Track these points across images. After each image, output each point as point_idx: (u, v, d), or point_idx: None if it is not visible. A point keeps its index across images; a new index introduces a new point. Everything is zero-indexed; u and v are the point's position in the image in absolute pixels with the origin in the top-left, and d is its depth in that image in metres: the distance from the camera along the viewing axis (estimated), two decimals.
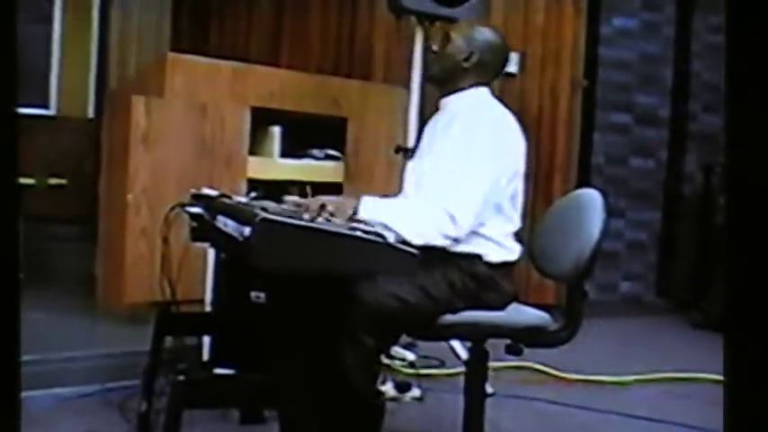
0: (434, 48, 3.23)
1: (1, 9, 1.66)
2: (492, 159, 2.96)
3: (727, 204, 1.97)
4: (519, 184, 3.06)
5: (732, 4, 1.83)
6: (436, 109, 3.31)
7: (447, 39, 3.17)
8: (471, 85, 3.16)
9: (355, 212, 2.79)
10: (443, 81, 3.19)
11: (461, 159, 2.91)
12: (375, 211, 2.80)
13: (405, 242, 2.70)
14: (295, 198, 3.01)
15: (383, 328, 2.70)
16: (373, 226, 2.70)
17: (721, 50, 1.72)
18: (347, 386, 2.67)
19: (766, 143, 1.73)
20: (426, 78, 3.32)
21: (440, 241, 2.84)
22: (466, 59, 3.12)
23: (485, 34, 3.18)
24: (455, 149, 2.96)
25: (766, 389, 1.71)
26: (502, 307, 2.98)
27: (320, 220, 2.58)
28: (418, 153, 3.40)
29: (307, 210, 2.69)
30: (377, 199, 2.92)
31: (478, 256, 2.92)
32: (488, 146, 2.96)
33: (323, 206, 2.69)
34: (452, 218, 2.82)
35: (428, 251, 2.76)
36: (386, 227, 2.74)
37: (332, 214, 2.66)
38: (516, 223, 3.06)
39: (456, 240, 2.87)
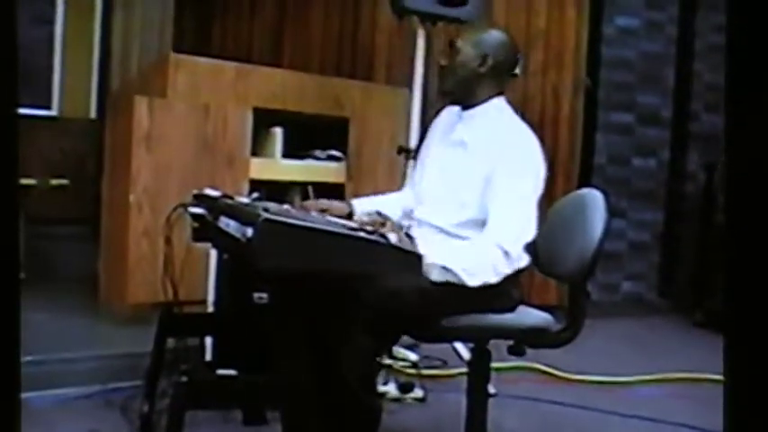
0: (443, 62, 3.16)
1: (1, 9, 1.66)
2: (530, 186, 2.95)
3: (726, 204, 1.97)
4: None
5: (733, 5, 1.83)
6: (442, 107, 3.28)
7: (454, 49, 3.11)
8: (491, 96, 3.11)
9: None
10: (461, 93, 3.13)
11: (505, 190, 2.89)
12: (432, 252, 2.74)
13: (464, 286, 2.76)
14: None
15: (384, 328, 2.70)
16: (430, 270, 2.70)
17: (723, 50, 1.71)
18: (346, 386, 2.66)
19: (765, 143, 1.72)
20: (442, 94, 3.24)
21: (494, 279, 2.83)
22: (481, 65, 3.07)
23: (493, 35, 3.13)
24: (497, 179, 2.91)
25: (766, 389, 1.71)
26: (508, 311, 2.97)
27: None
28: (424, 154, 3.36)
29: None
30: (431, 239, 2.94)
31: None
32: (526, 174, 2.95)
33: (383, 224, 2.68)
34: (506, 254, 2.82)
35: None
36: (445, 269, 2.74)
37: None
38: (532, 234, 2.99)
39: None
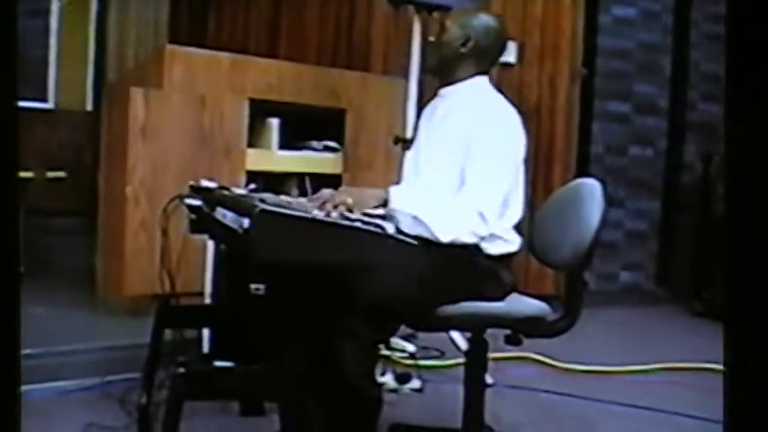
0: (431, 38, 3.25)
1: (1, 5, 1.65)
2: (506, 154, 2.98)
3: (726, 193, 1.97)
4: (520, 176, 3.06)
5: None
6: (434, 95, 3.30)
7: (443, 28, 3.17)
8: (471, 75, 3.15)
9: (385, 203, 2.80)
10: (443, 70, 3.18)
11: (481, 156, 2.92)
12: (406, 203, 2.82)
13: (431, 240, 2.77)
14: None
15: (381, 318, 2.70)
16: (400, 218, 2.73)
17: (720, 39, 1.72)
18: (345, 377, 2.66)
19: (765, 133, 1.73)
20: (427, 70, 3.32)
21: (470, 239, 2.86)
22: (463, 45, 3.11)
23: (481, 19, 3.18)
24: (474, 146, 2.94)
25: (765, 377, 1.71)
26: (501, 298, 2.97)
27: (334, 214, 2.59)
28: (416, 141, 3.39)
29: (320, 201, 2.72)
30: (406, 190, 2.94)
31: (479, 248, 2.91)
32: (502, 141, 2.98)
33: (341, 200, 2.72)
34: (482, 216, 2.84)
35: (428, 242, 2.77)
36: (416, 219, 2.76)
37: (349, 210, 2.68)
38: (517, 214, 3.05)
39: (483, 238, 2.90)
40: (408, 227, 2.77)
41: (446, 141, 3.05)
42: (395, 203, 2.81)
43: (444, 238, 2.79)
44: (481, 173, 2.90)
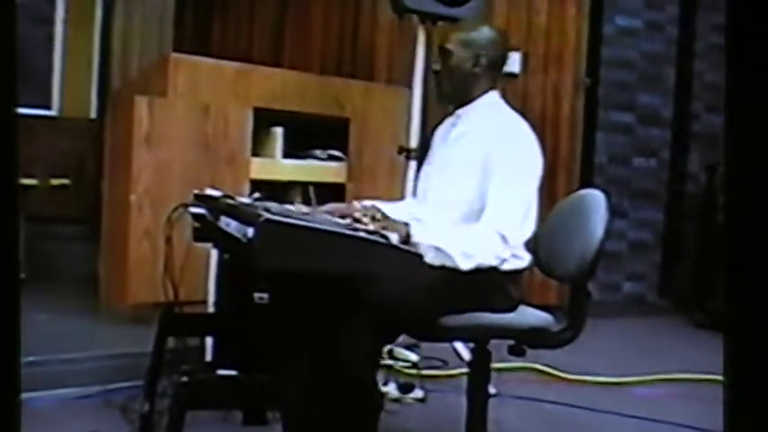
0: (437, 68, 3.17)
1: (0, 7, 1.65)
2: (527, 174, 2.96)
3: (726, 203, 1.97)
4: (536, 193, 3.04)
5: (732, 4, 1.83)
6: (449, 114, 3.27)
7: (446, 53, 3.11)
8: (485, 91, 3.12)
9: (407, 238, 2.78)
10: (459, 96, 3.14)
11: (502, 177, 2.90)
12: (428, 235, 2.78)
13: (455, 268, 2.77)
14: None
15: (384, 327, 2.70)
16: (423, 251, 2.72)
17: (724, 50, 1.72)
18: (348, 384, 2.66)
19: (766, 143, 1.72)
20: (441, 100, 3.25)
21: (493, 262, 2.84)
22: (475, 65, 3.08)
23: (483, 33, 3.14)
24: (494, 166, 2.91)
25: (766, 389, 1.70)
26: (508, 311, 2.97)
27: (371, 227, 2.59)
28: (430, 158, 3.36)
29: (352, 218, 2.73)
30: (425, 223, 2.94)
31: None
32: (523, 161, 2.97)
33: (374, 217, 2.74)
34: (504, 238, 2.82)
35: None
36: (438, 250, 2.74)
37: (384, 228, 2.68)
38: (531, 231, 3.01)
39: (505, 260, 2.89)
40: (432, 259, 2.75)
41: (465, 161, 3.02)
42: (417, 237, 2.78)
43: (466, 266, 2.77)
44: (502, 194, 2.88)
